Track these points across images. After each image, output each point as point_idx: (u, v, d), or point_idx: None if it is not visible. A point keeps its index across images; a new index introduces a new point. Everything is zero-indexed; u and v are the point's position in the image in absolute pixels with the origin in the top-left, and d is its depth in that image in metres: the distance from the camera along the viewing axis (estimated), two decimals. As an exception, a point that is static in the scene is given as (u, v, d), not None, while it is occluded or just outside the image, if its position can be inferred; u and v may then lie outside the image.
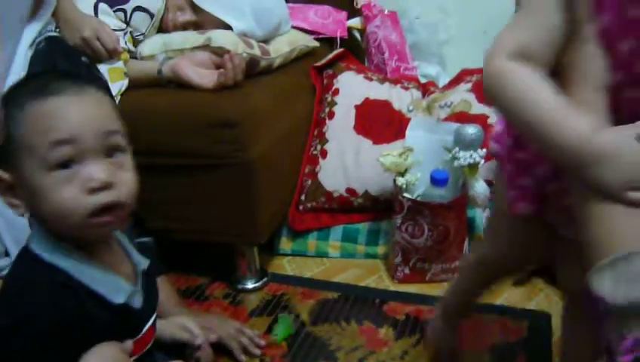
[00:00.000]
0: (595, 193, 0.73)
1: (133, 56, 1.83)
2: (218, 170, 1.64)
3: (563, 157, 0.74)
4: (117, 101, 1.66)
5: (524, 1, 0.79)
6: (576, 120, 0.73)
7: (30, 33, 1.52)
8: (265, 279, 1.84)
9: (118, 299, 0.93)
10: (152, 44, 1.85)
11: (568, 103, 0.74)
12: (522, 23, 0.79)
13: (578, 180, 0.75)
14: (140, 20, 1.87)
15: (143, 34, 1.89)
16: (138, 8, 1.86)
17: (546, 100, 0.74)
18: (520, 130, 0.82)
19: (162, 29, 1.94)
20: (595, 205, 0.73)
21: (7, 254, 1.43)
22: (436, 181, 1.69)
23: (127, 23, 1.85)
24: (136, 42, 1.88)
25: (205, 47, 1.77)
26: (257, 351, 1.53)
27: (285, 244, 1.98)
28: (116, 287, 0.94)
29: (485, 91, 0.80)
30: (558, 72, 0.78)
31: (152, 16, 1.89)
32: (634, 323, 0.66)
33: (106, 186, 0.89)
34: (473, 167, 1.69)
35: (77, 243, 0.92)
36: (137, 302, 0.99)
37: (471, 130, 1.68)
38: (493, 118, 1.87)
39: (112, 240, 1.01)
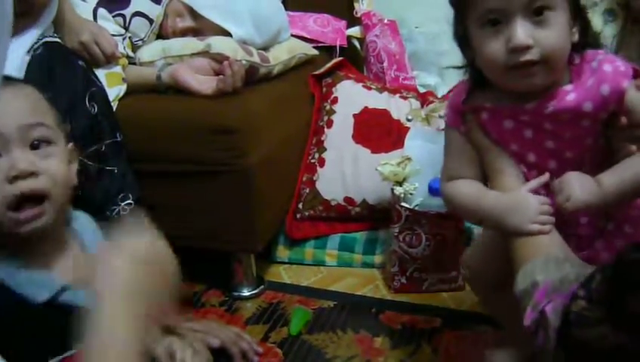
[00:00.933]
0: (513, 234, 1.03)
1: (132, 61, 1.83)
2: (216, 177, 1.64)
3: (491, 220, 1.06)
4: (114, 106, 1.66)
5: (445, 146, 1.15)
6: (490, 194, 1.07)
7: (29, 39, 1.52)
8: (261, 287, 1.83)
9: (42, 296, 0.93)
10: (151, 50, 1.85)
11: (484, 189, 1.09)
12: (448, 160, 1.14)
13: (503, 231, 1.06)
14: (139, 26, 1.87)
15: (142, 39, 1.89)
16: (137, 14, 1.86)
17: (472, 193, 1.09)
18: (470, 218, 1.24)
19: (161, 34, 1.94)
20: (515, 241, 1.03)
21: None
22: (434, 190, 1.68)
23: (126, 29, 1.85)
24: (135, 48, 1.88)
25: (204, 53, 1.77)
26: (256, 358, 1.53)
27: (282, 252, 1.98)
28: (41, 284, 0.95)
29: (445, 205, 1.18)
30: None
31: (151, 21, 1.89)
32: (526, 302, 0.92)
33: (26, 175, 0.91)
34: (471, 177, 1.69)
35: (15, 243, 0.94)
36: (79, 297, 0.96)
37: (469, 140, 1.68)
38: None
39: (61, 234, 1.02)
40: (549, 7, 0.95)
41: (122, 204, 1.50)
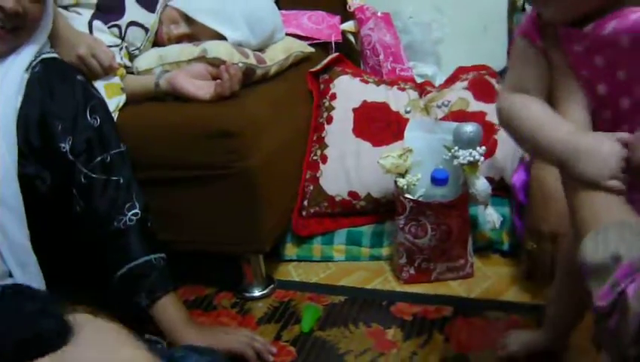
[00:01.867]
0: (581, 184, 0.90)
1: (129, 71, 1.84)
2: (219, 181, 1.65)
3: (555, 155, 0.93)
4: (115, 117, 1.67)
5: (511, 56, 1.04)
6: (563, 125, 0.93)
7: (27, 57, 1.53)
8: (272, 286, 1.84)
9: None
10: (148, 59, 1.86)
11: (557, 116, 0.95)
12: (516, 71, 1.02)
13: (568, 174, 0.93)
14: (134, 35, 1.88)
15: (138, 48, 1.90)
16: (132, 23, 1.87)
17: (540, 115, 0.96)
18: (525, 142, 1.00)
19: (157, 42, 1.95)
20: (581, 194, 0.90)
21: (10, 275, 1.44)
22: (437, 181, 1.70)
23: (122, 39, 1.86)
24: (132, 57, 1.89)
25: (201, 58, 1.78)
26: (271, 358, 1.54)
27: (290, 250, 1.99)
28: None
29: (499, 120, 1.04)
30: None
31: (146, 30, 1.90)
32: (602, 279, 0.79)
33: None
34: (473, 164, 1.70)
35: None
36: None
37: (469, 128, 1.69)
38: (492, 114, 1.88)
39: None
40: None
41: (129, 213, 1.51)
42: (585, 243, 0.84)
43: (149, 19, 1.91)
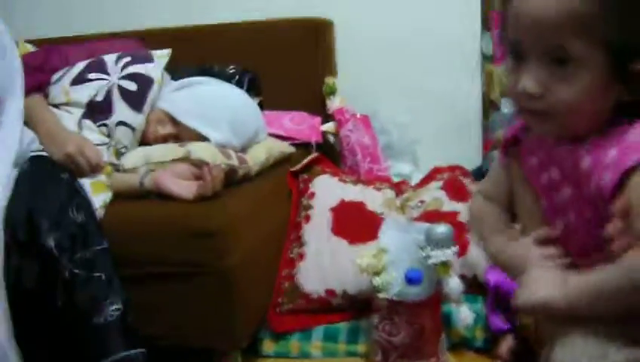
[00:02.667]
0: None
1: (116, 169, 1.91)
2: (198, 278, 1.69)
3: (494, 261, 1.08)
4: (101, 213, 1.72)
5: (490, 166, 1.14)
6: (499, 233, 1.05)
7: (11, 154, 1.61)
8: (249, 382, 1.86)
9: None
10: (134, 157, 1.93)
11: (500, 221, 1.06)
12: (487, 177, 1.12)
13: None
14: (122, 134, 1.96)
15: (125, 146, 1.97)
16: (120, 123, 1.95)
17: (488, 220, 1.08)
18: (479, 242, 1.12)
19: (144, 141, 2.02)
20: None
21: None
22: (411, 280, 1.74)
23: (110, 137, 1.94)
24: (119, 155, 1.96)
25: (185, 159, 1.85)
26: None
27: (268, 346, 2.00)
28: None
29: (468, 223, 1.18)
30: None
31: (133, 130, 1.98)
32: None
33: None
34: (445, 264, 1.75)
35: None
36: None
37: (440, 229, 1.75)
38: (464, 214, 1.95)
39: None
40: (571, 60, 0.83)
41: (110, 309, 1.55)
42: (555, 352, 0.89)
43: (137, 119, 1.98)
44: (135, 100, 1.99)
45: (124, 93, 1.99)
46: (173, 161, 1.87)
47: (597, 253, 0.87)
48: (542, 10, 0.82)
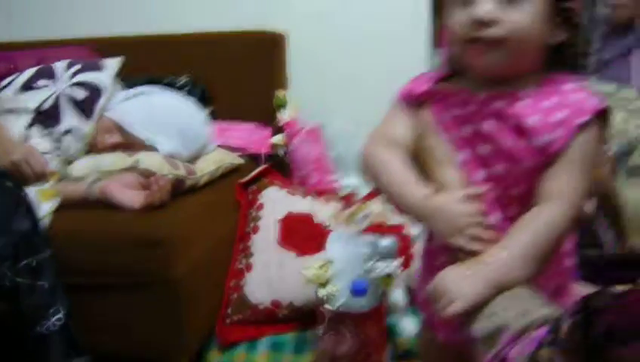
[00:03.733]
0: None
1: (63, 176, 1.90)
2: (145, 288, 1.69)
3: (411, 214, 1.01)
4: (47, 221, 1.71)
5: (386, 115, 1.07)
6: (420, 189, 0.99)
7: None
8: (194, 393, 1.86)
9: None
10: (82, 166, 1.92)
11: (411, 175, 1.00)
12: (388, 121, 1.06)
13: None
14: (70, 142, 1.95)
15: (73, 155, 1.96)
16: (68, 131, 1.95)
17: (400, 176, 1.00)
18: (383, 193, 1.05)
19: (92, 149, 2.01)
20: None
21: None
22: (356, 292, 1.76)
23: (58, 145, 1.92)
24: (66, 163, 1.95)
25: (133, 168, 1.85)
26: None
27: (214, 357, 2.00)
28: None
29: (361, 169, 1.07)
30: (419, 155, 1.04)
31: (81, 138, 1.97)
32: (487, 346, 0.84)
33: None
34: (390, 276, 1.78)
35: None
36: None
37: (385, 242, 1.78)
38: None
39: None
40: None
41: (53, 318, 1.53)
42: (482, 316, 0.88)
43: (85, 127, 1.98)
44: (84, 108, 1.99)
45: (73, 101, 1.98)
46: (121, 170, 1.86)
47: (525, 200, 0.95)
48: None
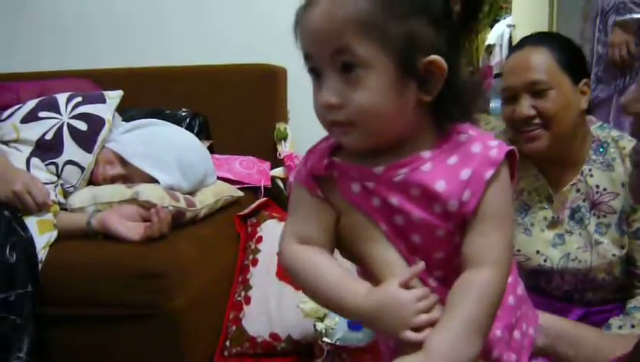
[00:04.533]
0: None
1: (63, 207, 1.91)
2: (144, 320, 1.69)
3: (352, 317, 0.90)
4: (45, 253, 1.72)
5: (291, 203, 0.96)
6: (353, 288, 0.87)
7: None
8: None
9: None
10: (82, 197, 1.93)
11: (346, 274, 0.89)
12: (297, 215, 0.95)
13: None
14: (70, 173, 1.96)
15: (73, 186, 1.97)
16: (69, 162, 1.96)
17: (332, 275, 0.89)
18: (314, 298, 0.94)
19: (92, 181, 2.03)
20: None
21: None
22: (353, 326, 1.77)
23: (59, 176, 1.94)
24: (66, 194, 1.96)
25: (133, 200, 1.86)
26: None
27: (212, 389, 2.00)
28: None
29: (285, 272, 0.95)
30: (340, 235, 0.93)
31: (82, 169, 1.98)
32: None
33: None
34: (387, 310, 1.78)
35: None
36: None
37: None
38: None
39: None
40: (357, 65, 0.82)
41: (14, 356, 1.54)
42: None
43: (86, 159, 1.99)
44: (85, 140, 2.00)
45: (75, 132, 2.00)
46: (121, 201, 1.88)
47: (448, 263, 0.89)
48: (321, 20, 0.83)
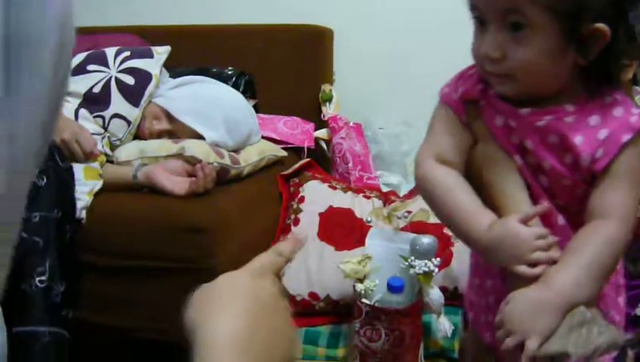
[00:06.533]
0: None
1: (109, 159, 1.93)
2: (186, 274, 1.70)
3: (472, 247, 1.00)
4: (89, 200, 1.74)
5: (435, 124, 1.02)
6: (479, 219, 0.94)
7: None
8: (227, 380, 1.87)
9: None
10: (129, 151, 1.96)
11: (475, 203, 0.95)
12: (438, 132, 1.01)
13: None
14: (117, 127, 1.99)
15: (120, 139, 2.00)
16: (116, 115, 1.98)
17: (465, 205, 0.96)
18: (440, 217, 1.03)
19: (138, 135, 2.05)
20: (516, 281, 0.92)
21: None
22: (393, 288, 1.77)
23: (105, 129, 1.96)
24: (113, 147, 1.99)
25: (179, 155, 1.87)
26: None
27: (249, 346, 2.03)
28: None
29: (420, 187, 1.03)
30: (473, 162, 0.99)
31: (129, 123, 2.00)
32: None
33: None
34: (428, 275, 1.78)
35: None
36: None
37: (426, 240, 1.78)
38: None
39: None
40: (525, 25, 0.86)
41: (37, 279, 1.54)
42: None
43: (133, 113, 2.01)
44: (132, 94, 2.03)
45: (122, 86, 2.02)
46: (167, 156, 1.89)
47: (569, 210, 0.95)
48: None
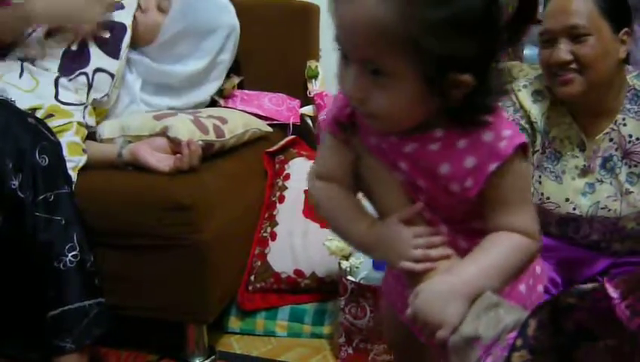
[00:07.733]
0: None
1: (92, 131, 1.91)
2: (171, 251, 1.71)
3: (357, 247, 1.09)
4: (74, 176, 1.73)
5: (319, 145, 1.08)
6: (358, 221, 1.00)
7: None
8: (212, 357, 1.88)
9: None
10: (111, 127, 1.94)
11: (355, 209, 1.01)
12: (323, 156, 1.06)
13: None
14: (101, 81, 1.98)
15: (107, 95, 1.98)
16: (98, 70, 1.97)
17: (344, 209, 1.01)
18: (330, 227, 1.08)
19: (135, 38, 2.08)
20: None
21: None
22: (378, 265, 1.78)
23: (90, 85, 1.94)
24: (100, 106, 2.00)
25: (162, 134, 1.85)
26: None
27: (234, 323, 2.03)
28: None
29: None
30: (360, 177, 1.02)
31: (112, 76, 1.99)
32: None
33: None
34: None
35: None
36: None
37: (411, 217, 1.78)
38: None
39: None
40: (385, 73, 0.84)
41: (69, 255, 1.58)
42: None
43: (114, 65, 2.01)
44: (110, 47, 2.02)
45: (99, 41, 2.02)
46: (150, 135, 1.87)
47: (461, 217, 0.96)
48: (353, 23, 0.84)
